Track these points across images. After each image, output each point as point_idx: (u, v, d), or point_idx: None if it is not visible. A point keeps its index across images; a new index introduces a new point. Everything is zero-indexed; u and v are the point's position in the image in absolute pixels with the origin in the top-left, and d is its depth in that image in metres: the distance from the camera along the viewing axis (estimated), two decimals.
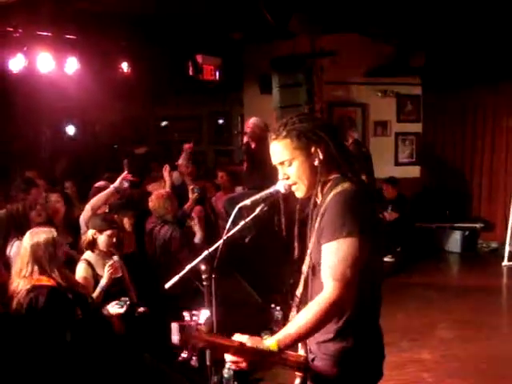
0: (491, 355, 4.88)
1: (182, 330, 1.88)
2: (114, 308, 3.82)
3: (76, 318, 3.50)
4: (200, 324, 2.00)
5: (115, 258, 4.21)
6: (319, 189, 2.18)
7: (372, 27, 7.74)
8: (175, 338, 1.88)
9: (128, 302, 3.86)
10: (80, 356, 3.49)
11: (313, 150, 2.13)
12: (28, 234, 3.65)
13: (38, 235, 3.58)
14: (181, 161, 6.73)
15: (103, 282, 4.11)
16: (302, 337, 2.01)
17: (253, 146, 6.50)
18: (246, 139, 6.63)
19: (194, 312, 2.02)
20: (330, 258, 1.99)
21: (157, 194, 5.48)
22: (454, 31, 7.36)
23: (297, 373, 2.23)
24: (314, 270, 2.18)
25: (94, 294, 4.03)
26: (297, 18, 6.98)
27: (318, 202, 2.21)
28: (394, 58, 8.61)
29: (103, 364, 3.60)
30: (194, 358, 1.94)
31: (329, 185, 2.16)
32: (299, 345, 2.29)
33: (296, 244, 2.30)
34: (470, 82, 8.43)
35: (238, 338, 2.00)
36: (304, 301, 2.21)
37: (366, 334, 2.14)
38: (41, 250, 3.51)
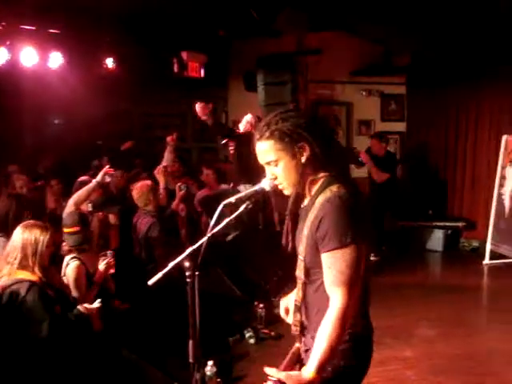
0: (473, 352, 4.94)
1: None
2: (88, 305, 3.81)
3: (55, 314, 3.48)
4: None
5: (109, 253, 4.21)
6: (307, 188, 2.20)
7: (357, 26, 7.78)
8: None
9: (99, 300, 3.87)
10: (58, 352, 3.47)
11: (296, 149, 2.13)
12: (21, 225, 3.62)
13: (31, 230, 3.55)
14: (165, 160, 6.59)
15: (96, 278, 4.13)
16: (334, 349, 2.04)
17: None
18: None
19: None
20: (338, 264, 2.04)
21: (141, 185, 5.49)
22: (438, 31, 7.41)
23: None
24: (309, 273, 2.19)
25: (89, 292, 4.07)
26: (283, 16, 7.00)
27: (306, 201, 2.23)
28: (379, 57, 8.66)
29: (82, 360, 3.59)
30: None
31: (317, 186, 2.17)
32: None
33: (285, 238, 2.34)
34: (454, 81, 8.52)
35: (275, 374, 2.02)
36: (302, 307, 2.25)
37: (360, 328, 2.18)
38: (30, 246, 3.50)
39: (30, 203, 4.78)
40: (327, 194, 2.09)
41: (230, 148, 6.53)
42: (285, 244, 2.33)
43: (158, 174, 6.02)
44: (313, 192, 2.18)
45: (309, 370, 2.01)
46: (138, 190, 5.41)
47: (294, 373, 2.05)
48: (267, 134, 2.14)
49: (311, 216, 2.12)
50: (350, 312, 2.04)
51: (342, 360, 2.15)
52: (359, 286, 2.07)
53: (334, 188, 2.10)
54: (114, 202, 5.73)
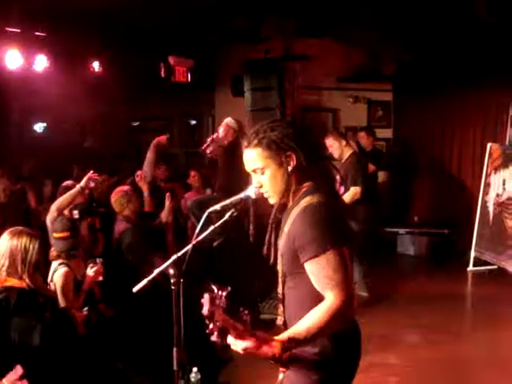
0: (456, 359, 4.97)
1: (212, 301, 1.92)
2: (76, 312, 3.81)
3: (45, 321, 3.44)
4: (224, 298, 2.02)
5: (98, 261, 4.18)
6: (291, 197, 2.22)
7: (344, 33, 7.80)
8: (205, 309, 1.92)
9: (86, 308, 3.88)
10: (49, 359, 3.44)
11: (283, 158, 2.16)
12: (9, 232, 3.54)
13: (19, 237, 3.48)
14: (147, 159, 6.45)
15: (85, 285, 4.11)
16: (309, 340, 2.04)
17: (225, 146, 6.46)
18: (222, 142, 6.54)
19: (222, 287, 2.04)
20: (323, 271, 2.04)
21: (117, 190, 5.45)
22: (424, 39, 7.47)
23: (280, 368, 2.25)
24: (286, 274, 2.22)
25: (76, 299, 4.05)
26: (270, 22, 7.01)
27: (288, 207, 2.24)
28: (366, 64, 8.70)
29: (71, 367, 3.56)
30: (215, 333, 1.95)
31: (300, 194, 2.19)
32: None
33: (266, 247, 2.33)
34: (440, 89, 8.59)
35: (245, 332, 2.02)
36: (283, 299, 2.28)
37: (347, 329, 2.19)
38: (19, 254, 3.43)
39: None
40: (304, 203, 2.12)
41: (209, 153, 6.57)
42: (266, 255, 2.34)
43: (140, 181, 5.95)
44: (296, 199, 2.20)
45: (276, 341, 2.00)
46: (114, 195, 5.37)
47: (262, 333, 2.03)
48: (255, 141, 2.18)
49: (289, 224, 2.15)
50: (342, 313, 2.04)
51: (329, 363, 2.16)
52: (351, 286, 2.08)
53: (315, 197, 2.12)
54: (96, 206, 5.69)
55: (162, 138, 6.44)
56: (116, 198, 5.32)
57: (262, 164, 2.18)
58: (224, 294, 2.00)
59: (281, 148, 2.15)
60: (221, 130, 6.25)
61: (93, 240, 4.94)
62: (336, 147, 6.37)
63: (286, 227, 2.16)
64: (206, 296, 1.95)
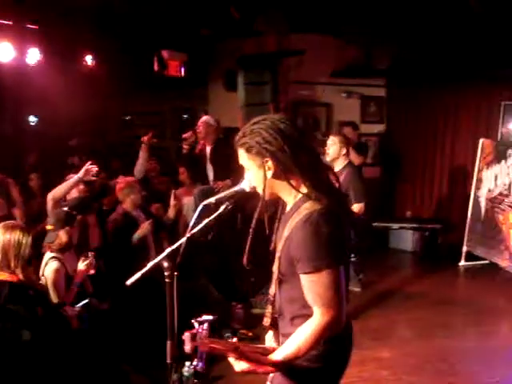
0: (447, 353, 5.01)
1: (193, 338, 1.96)
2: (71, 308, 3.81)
3: (37, 316, 3.42)
4: (205, 330, 2.07)
5: (90, 254, 4.18)
6: (289, 193, 2.20)
7: (338, 28, 7.81)
8: (187, 347, 1.96)
9: (86, 301, 3.91)
10: (40, 355, 3.42)
11: (263, 163, 2.15)
12: (2, 226, 3.53)
13: (12, 232, 3.48)
14: (140, 159, 6.47)
15: (76, 279, 4.10)
16: (296, 358, 2.09)
17: (208, 148, 6.51)
18: (200, 142, 6.59)
19: (201, 319, 2.07)
20: (315, 288, 2.05)
21: (122, 180, 5.55)
22: (417, 34, 7.49)
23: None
24: (282, 276, 2.20)
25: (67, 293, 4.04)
26: (264, 17, 7.00)
27: (287, 207, 2.24)
28: (360, 59, 8.71)
29: (64, 362, 3.55)
30: (200, 364, 2.01)
31: (299, 197, 2.16)
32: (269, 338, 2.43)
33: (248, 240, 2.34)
34: (433, 84, 8.62)
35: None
36: (276, 301, 2.28)
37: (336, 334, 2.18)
38: (12, 248, 3.43)
39: None
40: (305, 210, 2.08)
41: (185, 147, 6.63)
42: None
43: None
44: (290, 204, 2.20)
45: (270, 362, 2.08)
46: (119, 184, 5.47)
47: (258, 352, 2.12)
48: (239, 142, 2.21)
49: (288, 229, 2.12)
50: (330, 329, 2.06)
51: (317, 362, 2.16)
52: (342, 304, 2.07)
53: (314, 204, 2.08)
54: (91, 201, 5.68)
55: (148, 137, 6.45)
56: (119, 187, 5.40)
57: (246, 164, 2.23)
58: (205, 327, 2.03)
59: (259, 154, 2.14)
60: (200, 129, 6.37)
61: (82, 236, 4.91)
62: (333, 151, 5.71)
63: (286, 231, 2.13)
64: (187, 335, 1.98)
